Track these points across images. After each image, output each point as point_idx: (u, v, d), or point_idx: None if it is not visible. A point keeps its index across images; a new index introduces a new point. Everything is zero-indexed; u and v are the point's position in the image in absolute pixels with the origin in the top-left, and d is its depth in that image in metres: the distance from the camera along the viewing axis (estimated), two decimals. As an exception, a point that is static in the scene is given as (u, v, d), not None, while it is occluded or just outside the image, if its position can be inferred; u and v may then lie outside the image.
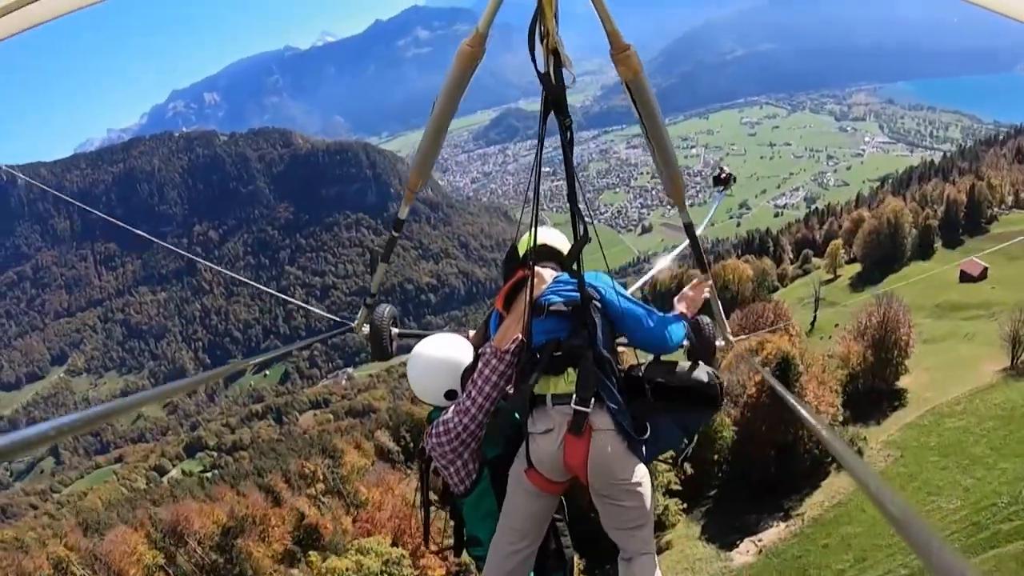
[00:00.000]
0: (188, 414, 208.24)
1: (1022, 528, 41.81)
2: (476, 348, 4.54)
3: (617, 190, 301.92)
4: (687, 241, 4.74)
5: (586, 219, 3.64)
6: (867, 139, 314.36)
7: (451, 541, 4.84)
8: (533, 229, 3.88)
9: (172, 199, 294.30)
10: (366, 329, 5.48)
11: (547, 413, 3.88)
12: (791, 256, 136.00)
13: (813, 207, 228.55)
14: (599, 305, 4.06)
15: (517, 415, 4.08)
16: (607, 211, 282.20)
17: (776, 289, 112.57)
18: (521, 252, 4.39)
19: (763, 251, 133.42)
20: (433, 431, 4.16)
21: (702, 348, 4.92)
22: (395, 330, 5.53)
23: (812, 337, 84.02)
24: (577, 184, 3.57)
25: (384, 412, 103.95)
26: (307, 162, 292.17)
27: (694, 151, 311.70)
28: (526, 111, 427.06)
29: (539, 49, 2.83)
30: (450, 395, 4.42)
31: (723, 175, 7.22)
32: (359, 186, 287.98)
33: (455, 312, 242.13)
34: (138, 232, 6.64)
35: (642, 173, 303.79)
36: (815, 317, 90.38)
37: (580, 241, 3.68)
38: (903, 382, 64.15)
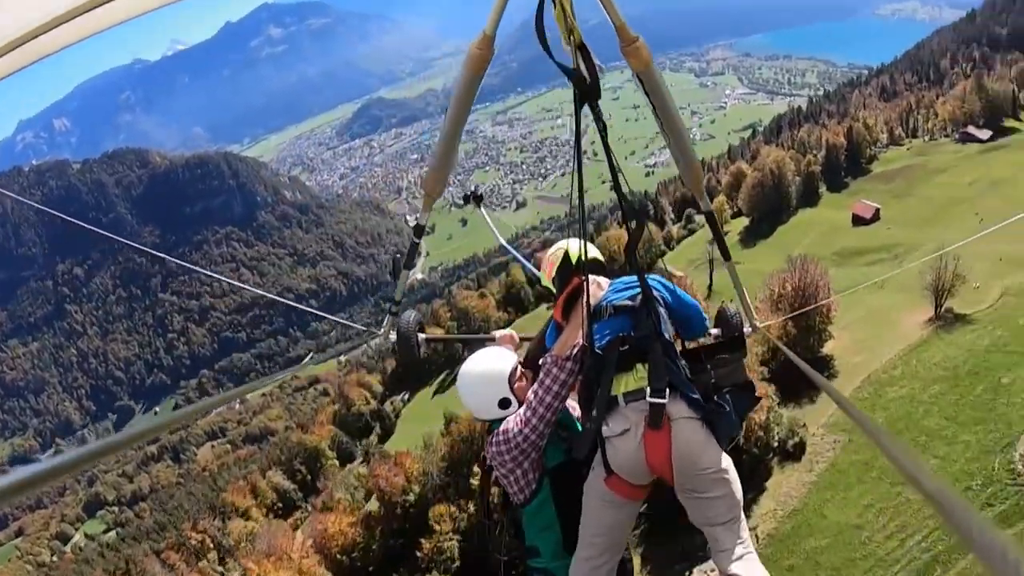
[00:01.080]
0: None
1: (1009, 512, 38.02)
2: (533, 359, 4.63)
3: (487, 168, 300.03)
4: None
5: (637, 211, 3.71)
6: (728, 92, 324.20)
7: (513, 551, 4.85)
8: (582, 233, 3.82)
9: (30, 240, 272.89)
10: (393, 336, 5.49)
11: (621, 413, 3.85)
12: (672, 217, 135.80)
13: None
14: (660, 297, 4.26)
15: (583, 421, 4.14)
16: (479, 189, 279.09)
17: (664, 254, 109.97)
18: (574, 259, 4.60)
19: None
20: (493, 440, 4.24)
21: (730, 336, 5.05)
22: (422, 336, 5.50)
23: (712, 301, 79.46)
24: (622, 177, 3.60)
25: (275, 446, 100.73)
26: (167, 180, 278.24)
27: (560, 121, 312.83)
28: (388, 99, 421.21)
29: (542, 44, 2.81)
30: (503, 404, 4.46)
31: (475, 194, 7.20)
32: (224, 199, 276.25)
33: (341, 315, 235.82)
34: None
35: (510, 149, 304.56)
36: (711, 281, 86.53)
37: (637, 233, 3.71)
38: (827, 349, 59.82)
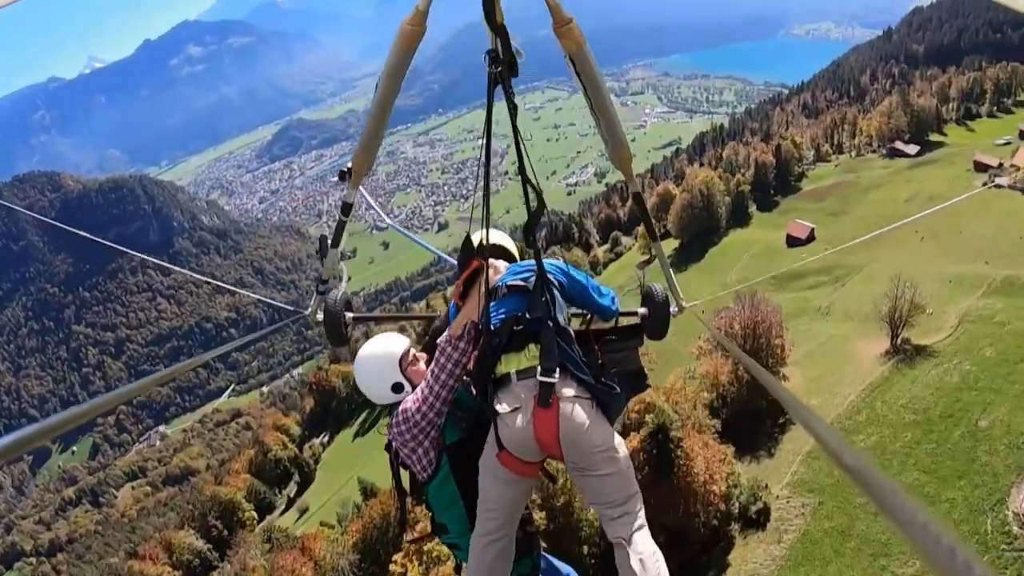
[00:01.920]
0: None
1: (1013, 583, 33.66)
2: (433, 340, 4.69)
3: (408, 190, 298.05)
4: None
5: (539, 190, 3.83)
6: (647, 111, 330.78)
7: (426, 528, 4.91)
8: (485, 211, 3.89)
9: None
10: (320, 316, 5.39)
11: (512, 391, 3.95)
12: (598, 239, 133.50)
13: (605, 183, 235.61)
14: (555, 280, 4.30)
15: (477, 398, 4.17)
16: (400, 213, 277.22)
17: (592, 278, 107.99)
18: (475, 243, 4.49)
19: (568, 238, 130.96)
20: (393, 420, 4.31)
21: (656, 315, 5.11)
22: (349, 315, 5.41)
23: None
24: (527, 158, 3.70)
25: (188, 503, 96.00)
26: (80, 205, 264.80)
27: (480, 142, 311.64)
28: (308, 121, 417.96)
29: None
30: (396, 388, 4.53)
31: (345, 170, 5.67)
32: (139, 224, 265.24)
33: (262, 344, 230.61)
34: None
35: (431, 171, 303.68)
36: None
37: (537, 211, 3.88)
38: (780, 391, 56.43)
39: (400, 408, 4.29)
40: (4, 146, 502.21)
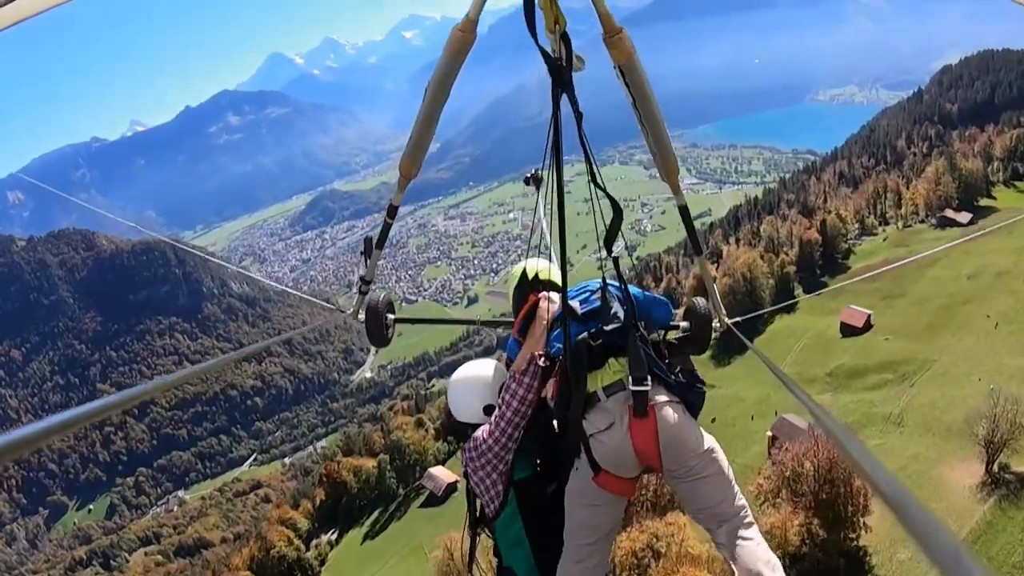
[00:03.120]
0: (10, 566, 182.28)
1: None
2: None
3: (439, 264, 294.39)
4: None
5: (614, 197, 3.77)
6: (683, 180, 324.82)
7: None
8: (561, 232, 3.95)
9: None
10: (362, 315, 5.35)
11: (602, 408, 3.85)
12: None
13: (636, 257, 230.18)
14: (615, 295, 4.26)
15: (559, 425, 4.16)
16: (431, 286, 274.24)
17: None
18: (530, 277, 4.66)
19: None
20: (466, 447, 4.33)
21: (698, 329, 5.00)
22: (391, 316, 5.44)
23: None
24: (595, 166, 3.67)
25: None
26: (112, 265, 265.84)
27: (511, 215, 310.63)
28: (341, 192, 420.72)
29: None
30: (488, 410, 4.52)
31: (534, 174, 6.56)
32: (169, 288, 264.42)
33: (285, 414, 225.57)
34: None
35: (461, 244, 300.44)
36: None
37: (615, 221, 3.77)
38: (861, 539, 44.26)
39: (472, 436, 4.29)
40: (46, 201, 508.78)
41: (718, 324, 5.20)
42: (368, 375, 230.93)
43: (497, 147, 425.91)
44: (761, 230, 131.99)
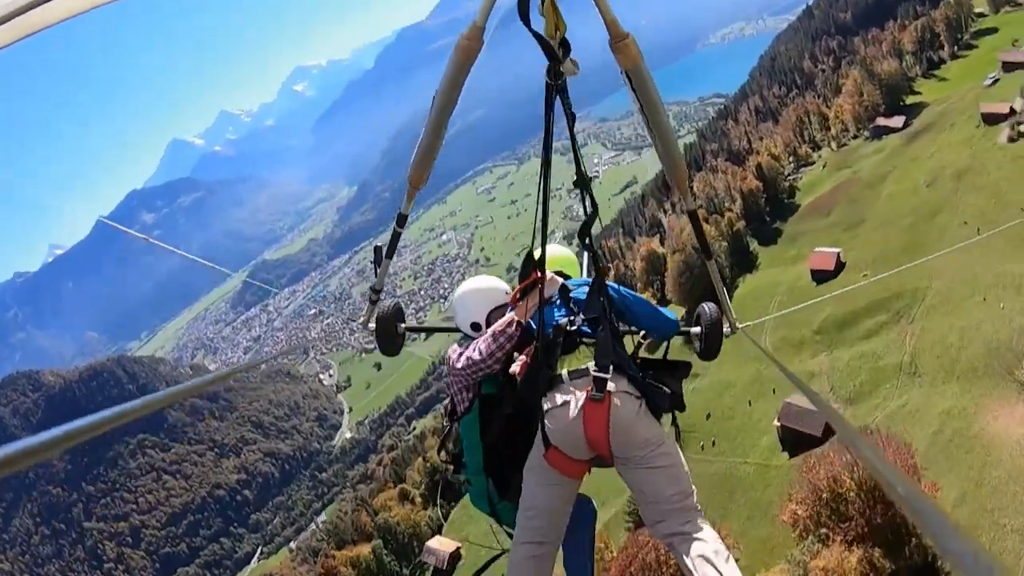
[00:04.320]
0: None
1: None
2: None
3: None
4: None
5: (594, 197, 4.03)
6: (596, 160, 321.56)
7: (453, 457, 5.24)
8: (541, 221, 4.02)
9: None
10: (373, 325, 5.49)
11: (562, 388, 4.02)
12: None
13: (575, 245, 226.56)
14: (610, 294, 4.46)
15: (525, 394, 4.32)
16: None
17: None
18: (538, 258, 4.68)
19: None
20: (448, 358, 4.71)
21: (709, 335, 5.06)
22: (402, 325, 5.58)
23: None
24: (582, 164, 3.89)
25: None
26: (65, 399, 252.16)
27: (444, 237, 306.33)
28: (273, 261, 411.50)
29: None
30: (475, 327, 4.91)
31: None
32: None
33: (278, 498, 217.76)
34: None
35: (404, 279, 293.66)
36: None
37: (591, 216, 4.04)
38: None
39: (450, 352, 4.71)
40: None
41: (728, 330, 5.21)
42: (348, 435, 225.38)
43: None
44: (696, 189, 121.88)
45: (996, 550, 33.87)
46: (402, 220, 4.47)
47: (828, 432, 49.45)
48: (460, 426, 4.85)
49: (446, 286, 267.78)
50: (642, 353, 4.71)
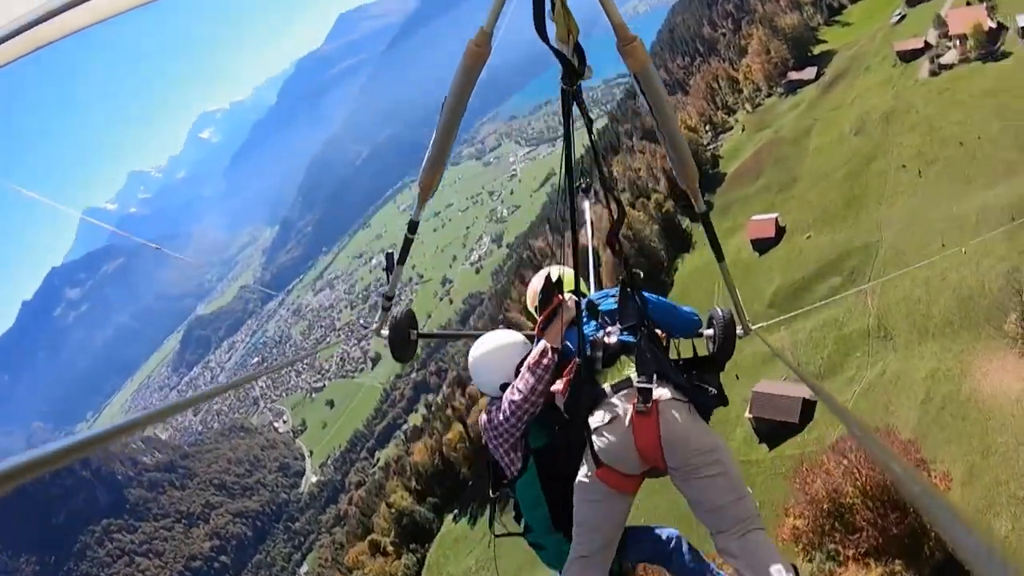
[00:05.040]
0: None
1: None
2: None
3: (329, 340, 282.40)
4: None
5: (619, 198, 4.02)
6: (512, 159, 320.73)
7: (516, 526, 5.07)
8: (572, 228, 4.29)
9: None
10: (386, 331, 5.40)
11: (607, 404, 3.94)
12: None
13: (506, 245, 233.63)
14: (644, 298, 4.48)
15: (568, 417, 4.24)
16: (331, 365, 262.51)
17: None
18: (555, 282, 4.77)
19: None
20: (482, 420, 4.65)
21: (722, 336, 4.98)
22: (414, 332, 5.48)
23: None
24: (604, 169, 3.97)
25: None
26: (20, 499, 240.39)
27: (374, 261, 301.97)
28: (207, 315, 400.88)
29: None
30: (504, 387, 4.69)
31: (584, 184, 7.28)
32: (85, 494, 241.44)
33: (257, 557, 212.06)
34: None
35: (341, 311, 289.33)
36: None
37: (619, 219, 4.03)
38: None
39: (485, 412, 4.60)
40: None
41: (741, 331, 5.16)
42: (314, 479, 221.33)
43: (332, 204, 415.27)
44: (617, 173, 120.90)
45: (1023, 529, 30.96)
46: (414, 227, 4.42)
47: (805, 417, 47.78)
48: (515, 489, 4.67)
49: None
50: (672, 353, 4.60)
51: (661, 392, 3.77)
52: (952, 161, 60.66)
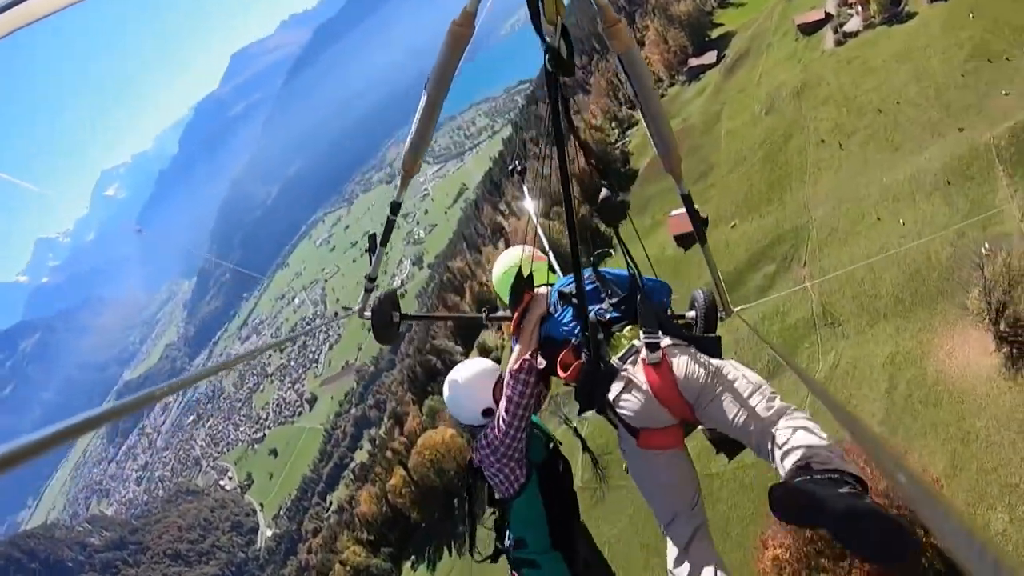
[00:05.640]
0: None
1: None
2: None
3: (262, 388, 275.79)
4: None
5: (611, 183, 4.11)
6: (422, 179, 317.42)
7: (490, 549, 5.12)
8: (571, 225, 4.39)
9: None
10: (369, 313, 5.38)
11: (620, 375, 4.01)
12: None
13: (427, 265, 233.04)
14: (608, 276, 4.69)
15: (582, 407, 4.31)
16: (267, 412, 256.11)
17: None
18: (526, 275, 4.83)
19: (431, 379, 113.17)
20: (478, 446, 4.66)
21: (703, 318, 5.06)
22: (397, 314, 5.48)
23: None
24: (590, 148, 4.01)
25: None
26: None
27: (297, 300, 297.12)
28: (134, 380, 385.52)
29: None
30: (487, 413, 4.85)
31: (518, 168, 7.40)
32: None
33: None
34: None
35: (270, 356, 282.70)
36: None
37: (612, 201, 4.34)
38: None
39: (483, 435, 4.61)
40: None
41: (723, 313, 5.25)
42: (269, 533, 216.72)
43: (247, 247, 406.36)
44: (529, 181, 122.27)
45: (1021, 520, 28.50)
46: (396, 208, 4.48)
47: None
48: (514, 507, 4.65)
49: (313, 349, 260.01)
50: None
51: (666, 342, 3.90)
52: (873, 130, 58.66)
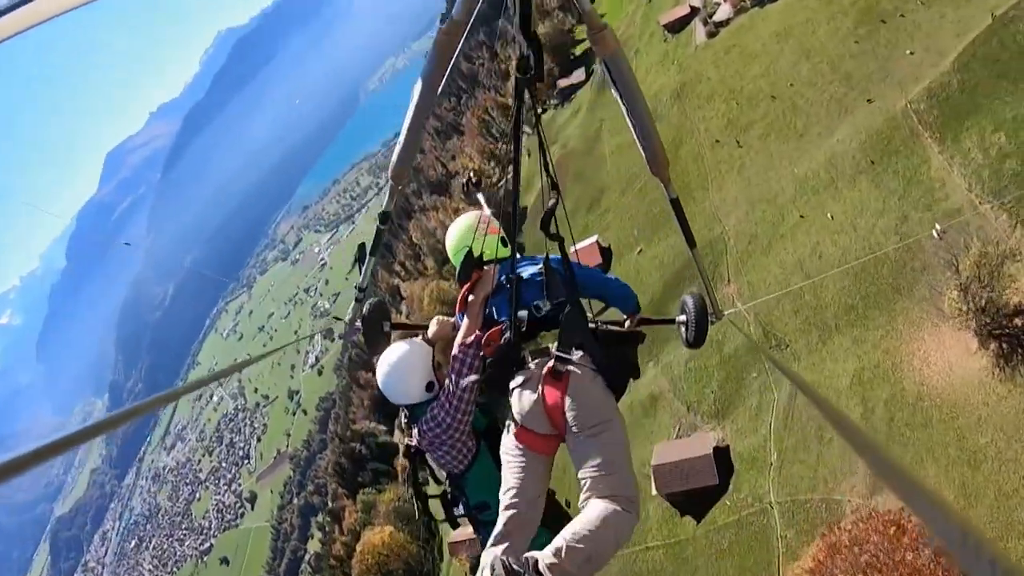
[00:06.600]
0: None
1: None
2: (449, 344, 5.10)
3: (198, 497, 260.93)
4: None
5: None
6: (317, 250, 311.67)
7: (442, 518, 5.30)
8: (512, 221, 4.83)
9: None
10: (358, 322, 5.46)
11: (527, 368, 4.36)
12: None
13: (336, 338, 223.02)
14: (557, 270, 4.68)
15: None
16: (207, 519, 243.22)
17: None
18: (476, 253, 5.01)
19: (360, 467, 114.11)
20: (424, 428, 4.83)
21: (694, 322, 5.05)
22: (387, 323, 5.50)
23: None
24: (549, 158, 4.15)
25: None
26: None
27: (215, 398, 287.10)
28: (67, 514, 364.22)
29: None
30: (429, 387, 5.06)
31: (473, 180, 7.56)
32: None
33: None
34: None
35: (200, 461, 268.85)
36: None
37: (553, 204, 4.27)
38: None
39: (428, 416, 4.79)
40: None
41: (713, 317, 5.30)
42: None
43: (155, 352, 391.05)
44: (415, 239, 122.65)
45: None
46: (385, 218, 4.41)
47: (724, 470, 38.46)
48: (469, 477, 4.81)
49: (241, 445, 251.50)
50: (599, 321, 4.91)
51: (577, 363, 4.11)
52: (771, 119, 54.80)
